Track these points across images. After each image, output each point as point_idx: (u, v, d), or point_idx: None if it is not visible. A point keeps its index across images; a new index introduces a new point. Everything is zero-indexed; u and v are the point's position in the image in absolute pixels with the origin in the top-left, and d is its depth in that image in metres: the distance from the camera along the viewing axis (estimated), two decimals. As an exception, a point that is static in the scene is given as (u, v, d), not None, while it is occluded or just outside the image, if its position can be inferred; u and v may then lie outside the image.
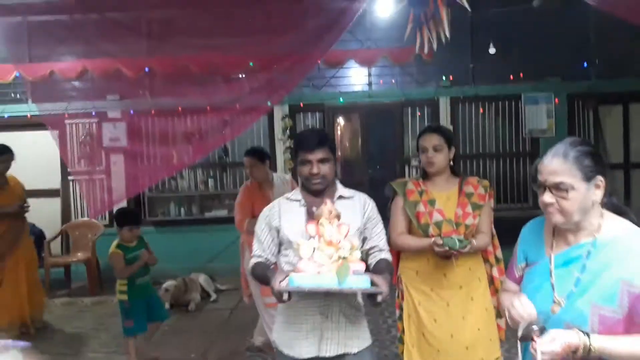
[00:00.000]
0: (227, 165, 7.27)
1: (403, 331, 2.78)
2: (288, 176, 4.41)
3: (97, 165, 6.97)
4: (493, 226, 2.79)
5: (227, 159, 7.25)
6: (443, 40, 3.01)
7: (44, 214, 6.55)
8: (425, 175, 2.76)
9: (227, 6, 4.77)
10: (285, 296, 1.89)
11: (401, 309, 2.80)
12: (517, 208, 6.68)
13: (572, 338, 1.44)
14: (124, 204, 6.77)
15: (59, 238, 6.76)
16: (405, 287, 2.76)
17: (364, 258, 2.18)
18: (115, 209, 5.11)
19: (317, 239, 1.89)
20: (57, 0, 4.96)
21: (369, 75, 6.99)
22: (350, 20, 3.90)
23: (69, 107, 6.89)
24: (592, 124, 6.98)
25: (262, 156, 3.96)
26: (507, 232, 7.07)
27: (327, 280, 1.82)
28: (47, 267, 6.13)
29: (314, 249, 1.88)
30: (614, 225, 1.55)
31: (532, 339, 1.48)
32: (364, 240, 2.24)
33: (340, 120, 7.72)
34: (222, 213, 7.14)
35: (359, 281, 1.85)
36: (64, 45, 5.88)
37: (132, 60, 5.72)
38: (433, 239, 2.56)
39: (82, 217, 6.99)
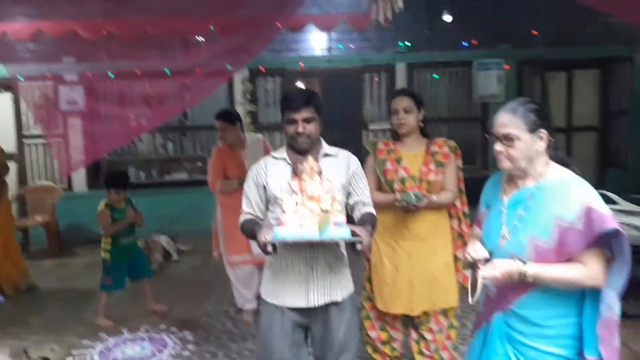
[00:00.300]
0: (186, 129, 7.30)
1: (368, 280, 2.96)
2: (260, 136, 4.50)
3: (53, 129, 6.88)
4: (463, 185, 2.94)
5: (187, 123, 7.27)
6: (397, 10, 3.17)
7: (-2, 178, 6.45)
8: (397, 136, 2.90)
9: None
10: (270, 248, 1.98)
11: (367, 259, 2.96)
12: (467, 169, 6.95)
13: (511, 266, 1.70)
14: (82, 168, 6.78)
15: (16, 202, 6.68)
16: (373, 240, 2.87)
17: (350, 212, 2.33)
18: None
19: (300, 194, 1.99)
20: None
21: (329, 40, 7.09)
22: None
23: (23, 69, 6.72)
24: (539, 89, 7.36)
25: (232, 118, 4.05)
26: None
27: (309, 232, 1.92)
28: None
29: (297, 203, 1.98)
30: (556, 173, 1.80)
31: (477, 267, 1.76)
32: (348, 195, 2.32)
33: (300, 85, 7.82)
34: (182, 176, 7.23)
35: (339, 231, 1.94)
36: (17, 6, 5.71)
37: (89, 22, 5.62)
38: (396, 194, 2.72)
39: (39, 180, 6.93)
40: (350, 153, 2.39)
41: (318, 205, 1.96)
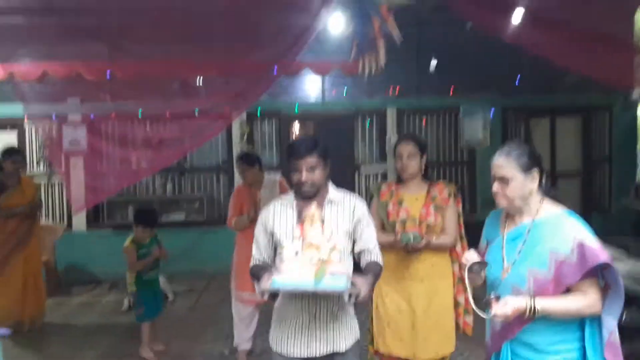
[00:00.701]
0: (185, 171, 7.51)
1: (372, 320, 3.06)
2: (278, 176, 4.69)
3: (57, 168, 7.09)
4: (463, 230, 3.04)
5: (186, 164, 7.49)
6: (380, 65, 3.49)
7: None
8: (400, 179, 3.05)
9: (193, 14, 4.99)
10: (266, 296, 2.01)
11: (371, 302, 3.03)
12: (456, 211, 7.29)
13: (520, 302, 1.85)
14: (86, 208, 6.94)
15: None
16: None
17: (357, 259, 2.35)
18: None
19: (301, 242, 2.00)
20: (18, 3, 5.08)
21: (323, 85, 7.42)
22: (311, 37, 4.26)
23: (29, 109, 6.97)
24: (523, 135, 7.69)
25: (251, 160, 4.31)
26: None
27: (304, 281, 1.92)
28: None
29: (297, 252, 1.99)
30: (550, 209, 1.99)
31: (490, 305, 1.90)
32: (355, 242, 2.31)
33: (296, 128, 8.11)
34: (180, 217, 7.38)
35: (335, 282, 1.93)
36: (25, 48, 5.98)
37: (93, 64, 5.90)
38: (397, 235, 2.85)
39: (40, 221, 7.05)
40: (357, 198, 2.39)
41: (317, 253, 1.96)
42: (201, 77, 5.30)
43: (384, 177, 7.46)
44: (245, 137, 7.27)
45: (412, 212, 2.94)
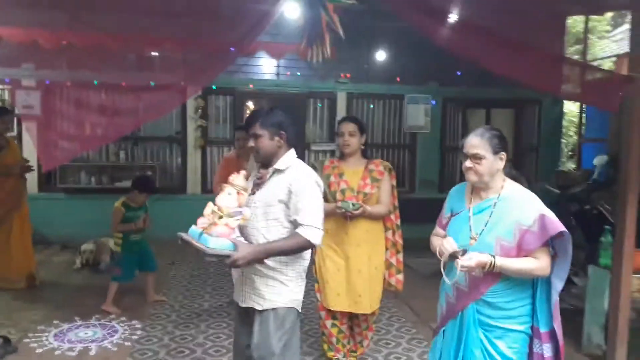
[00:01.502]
0: (139, 139, 7.70)
1: (315, 273, 3.43)
2: None
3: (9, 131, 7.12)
4: (397, 201, 3.45)
5: (139, 133, 7.67)
6: (326, 56, 3.92)
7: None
8: (341, 155, 3.42)
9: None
10: (179, 241, 2.22)
11: (314, 263, 3.39)
12: (396, 191, 7.86)
13: (484, 257, 2.12)
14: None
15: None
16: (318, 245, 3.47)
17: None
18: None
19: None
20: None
21: (277, 66, 7.75)
22: (270, 21, 4.54)
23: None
24: (460, 123, 8.32)
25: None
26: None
27: (196, 237, 2.18)
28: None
29: (212, 210, 2.22)
30: (511, 187, 2.26)
31: (457, 257, 2.17)
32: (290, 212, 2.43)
33: (250, 105, 8.42)
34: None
35: (214, 242, 2.14)
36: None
37: (50, 33, 5.98)
38: (337, 203, 3.23)
39: None
40: (301, 173, 2.44)
41: (218, 214, 2.19)
42: (160, 52, 5.47)
43: (332, 154, 7.92)
44: (199, 111, 7.53)
45: (351, 183, 3.30)
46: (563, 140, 10.04)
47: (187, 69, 5.26)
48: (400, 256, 3.49)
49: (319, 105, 8.02)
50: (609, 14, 11.92)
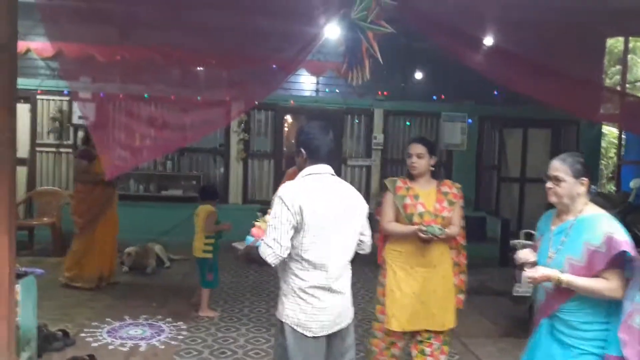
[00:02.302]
0: (184, 150, 8.09)
1: (382, 295, 3.31)
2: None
3: (64, 139, 7.64)
4: (463, 221, 3.36)
5: (186, 145, 8.03)
6: (366, 79, 4.16)
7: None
8: (410, 176, 3.33)
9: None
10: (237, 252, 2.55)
11: (382, 285, 3.33)
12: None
13: (549, 271, 2.24)
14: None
15: (23, 204, 7.36)
16: (389, 266, 3.29)
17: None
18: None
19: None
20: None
21: (317, 83, 8.04)
22: (318, 43, 4.77)
23: (42, 84, 7.51)
24: (497, 142, 8.40)
25: None
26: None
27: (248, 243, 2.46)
28: (14, 228, 6.73)
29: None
30: (591, 210, 2.32)
31: (523, 269, 2.31)
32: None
33: (289, 120, 8.73)
34: (177, 192, 7.99)
35: (248, 239, 2.45)
36: (41, 27, 6.42)
37: (105, 47, 6.39)
38: (418, 226, 3.11)
39: (47, 185, 7.63)
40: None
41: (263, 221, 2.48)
42: (211, 70, 5.76)
43: (368, 170, 8.14)
44: (242, 125, 7.88)
45: (427, 206, 3.23)
46: (603, 162, 9.98)
47: (238, 88, 5.49)
48: (464, 276, 3.44)
49: (356, 121, 8.26)
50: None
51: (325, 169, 2.49)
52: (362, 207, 2.55)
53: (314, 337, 2.38)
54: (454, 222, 3.27)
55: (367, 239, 2.61)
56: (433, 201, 3.24)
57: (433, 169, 3.31)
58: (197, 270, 4.99)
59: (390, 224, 3.27)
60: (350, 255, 2.51)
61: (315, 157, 2.47)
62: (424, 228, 3.09)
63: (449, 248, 3.33)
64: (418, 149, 3.26)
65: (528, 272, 2.27)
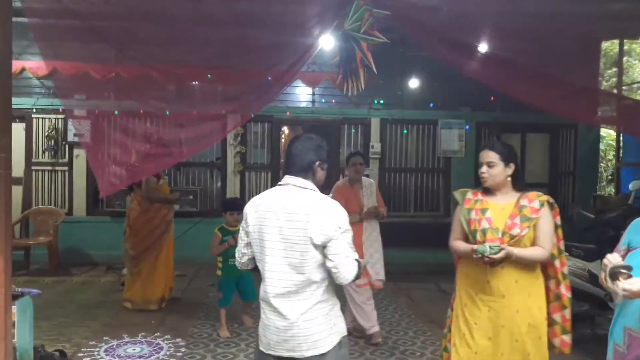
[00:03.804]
0: (181, 165, 8.04)
1: (449, 329, 2.94)
2: (372, 180, 5.11)
3: (60, 157, 7.59)
4: (563, 243, 2.82)
5: (182, 159, 7.99)
6: (361, 89, 4.15)
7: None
8: (487, 188, 2.85)
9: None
10: None
11: (451, 309, 2.96)
12: (430, 216, 7.92)
13: None
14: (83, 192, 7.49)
15: (19, 223, 7.29)
16: (457, 290, 2.90)
17: None
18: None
19: None
20: (37, 5, 5.52)
21: (313, 94, 8.02)
22: (312, 54, 4.76)
23: (37, 102, 7.48)
24: (495, 148, 8.34)
25: (366, 160, 4.78)
26: (421, 236, 8.36)
27: None
28: (10, 248, 6.66)
29: None
30: None
31: (618, 279, 1.86)
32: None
33: (285, 130, 8.70)
34: (175, 207, 7.90)
35: None
36: (36, 46, 6.42)
37: (100, 65, 6.38)
38: (475, 246, 2.66)
39: (42, 204, 7.57)
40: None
41: None
42: (205, 84, 5.73)
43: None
44: (239, 137, 7.84)
45: (495, 222, 2.73)
46: (602, 164, 9.94)
47: (234, 102, 5.48)
48: (567, 312, 2.83)
49: (353, 130, 8.22)
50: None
51: (287, 180, 2.36)
52: (321, 223, 2.20)
53: (263, 352, 2.37)
54: (539, 242, 2.70)
55: (339, 264, 2.21)
56: (506, 216, 2.74)
57: (510, 177, 2.80)
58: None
59: (455, 242, 2.87)
60: (305, 277, 2.22)
61: (284, 168, 2.59)
62: (475, 247, 2.65)
63: (539, 276, 2.79)
64: (489, 156, 2.79)
65: (624, 285, 1.79)
